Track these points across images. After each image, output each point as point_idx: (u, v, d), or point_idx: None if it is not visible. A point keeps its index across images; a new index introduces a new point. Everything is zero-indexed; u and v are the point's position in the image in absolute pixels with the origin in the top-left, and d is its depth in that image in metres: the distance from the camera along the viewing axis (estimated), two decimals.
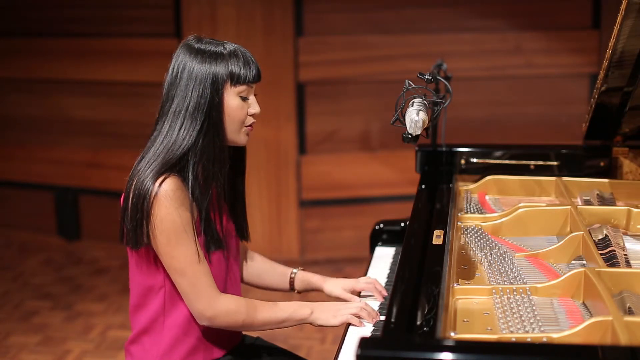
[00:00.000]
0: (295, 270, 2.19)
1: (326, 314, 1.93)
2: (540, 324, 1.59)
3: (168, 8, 4.60)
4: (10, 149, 5.19)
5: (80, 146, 4.99)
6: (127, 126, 4.81)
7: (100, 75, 4.83)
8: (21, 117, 5.11)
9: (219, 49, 1.88)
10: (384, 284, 2.20)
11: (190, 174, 1.84)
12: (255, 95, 1.94)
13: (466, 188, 2.49)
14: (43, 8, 4.89)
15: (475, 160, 2.58)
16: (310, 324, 1.94)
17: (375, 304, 2.05)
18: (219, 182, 1.89)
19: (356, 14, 4.54)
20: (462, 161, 2.59)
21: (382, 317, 1.93)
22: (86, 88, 4.90)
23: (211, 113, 1.85)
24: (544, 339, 1.50)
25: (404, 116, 1.94)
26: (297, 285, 2.18)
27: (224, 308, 1.86)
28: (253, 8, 4.45)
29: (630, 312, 1.59)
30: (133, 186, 1.84)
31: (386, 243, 2.56)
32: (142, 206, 1.80)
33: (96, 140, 4.95)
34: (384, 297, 2.08)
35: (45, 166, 5.11)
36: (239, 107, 1.89)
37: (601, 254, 1.85)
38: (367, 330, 1.91)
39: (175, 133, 1.84)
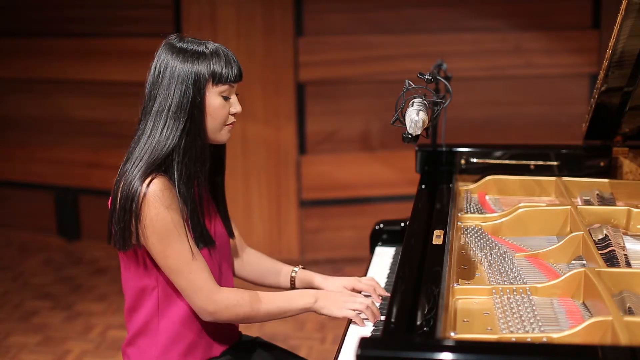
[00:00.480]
0: (296, 269, 2.18)
1: (331, 303, 1.93)
2: (540, 324, 1.59)
3: (168, 8, 4.60)
4: (10, 149, 5.19)
5: (80, 146, 4.99)
6: (127, 126, 4.76)
7: (100, 75, 4.83)
8: (21, 117, 5.11)
9: (201, 48, 1.88)
10: (384, 284, 2.20)
11: (175, 173, 1.84)
12: (236, 94, 1.94)
13: (466, 188, 2.49)
14: (43, 8, 4.89)
15: (475, 160, 2.58)
16: (314, 312, 1.94)
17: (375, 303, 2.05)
18: (199, 180, 1.89)
19: (356, 14, 4.54)
20: (462, 161, 2.59)
21: (383, 317, 1.93)
22: (86, 88, 4.90)
23: (193, 112, 1.85)
24: (544, 339, 1.50)
25: (404, 116, 1.94)
26: (298, 284, 2.18)
27: (225, 302, 1.86)
28: (253, 8, 4.45)
29: (630, 312, 1.59)
30: (120, 188, 1.84)
31: (386, 243, 2.56)
32: (131, 208, 1.80)
33: (96, 140, 4.95)
34: (383, 299, 2.07)
35: (45, 166, 5.11)
36: (220, 106, 1.89)
37: (601, 254, 1.85)
38: (367, 330, 1.91)
39: (158, 133, 1.85)
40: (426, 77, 2.03)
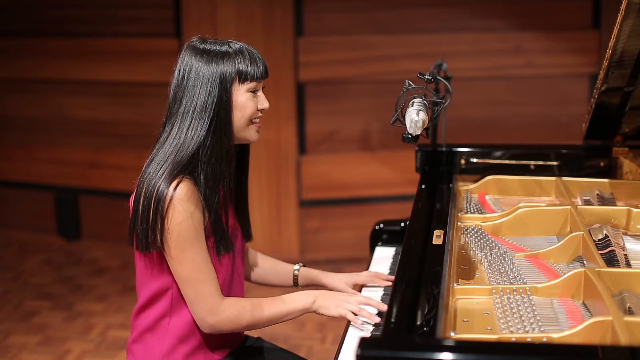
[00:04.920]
0: (297, 267, 2.22)
1: (329, 302, 1.94)
2: (540, 324, 1.59)
3: (168, 8, 4.60)
4: (10, 149, 5.19)
5: (80, 146, 4.99)
6: (127, 126, 4.82)
7: (100, 75, 4.83)
8: (21, 117, 5.11)
9: (225, 48, 1.88)
10: (383, 284, 2.20)
11: (201, 175, 1.84)
12: (263, 87, 1.95)
13: (466, 188, 2.49)
14: (43, 8, 4.89)
15: (475, 160, 2.59)
16: (314, 312, 1.95)
17: (377, 296, 2.06)
18: (225, 181, 1.89)
19: (356, 14, 4.54)
20: (462, 161, 2.59)
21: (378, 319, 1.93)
22: (86, 88, 4.90)
23: (219, 112, 1.85)
24: (544, 339, 1.50)
25: (404, 116, 1.94)
26: (300, 282, 2.23)
27: (227, 315, 1.86)
28: (253, 8, 4.45)
29: (630, 312, 1.59)
30: (144, 189, 1.83)
31: (386, 243, 2.57)
32: (157, 209, 1.79)
33: (96, 140, 4.95)
34: (389, 283, 2.14)
35: (45, 166, 5.11)
36: (248, 101, 1.89)
37: (601, 254, 1.85)
38: (367, 330, 1.91)
39: (183, 134, 1.84)
40: (426, 77, 2.03)
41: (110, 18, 4.77)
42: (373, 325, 1.91)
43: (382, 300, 2.09)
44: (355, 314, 1.92)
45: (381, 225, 2.59)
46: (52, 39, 4.91)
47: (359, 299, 1.96)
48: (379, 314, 1.94)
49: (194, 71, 1.85)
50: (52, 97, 5.00)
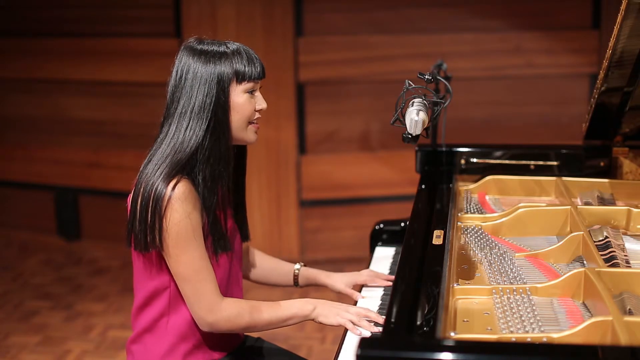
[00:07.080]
0: (298, 267, 2.23)
1: (328, 311, 1.94)
2: (540, 324, 1.59)
3: (168, 8, 4.60)
4: (10, 149, 5.19)
5: (80, 146, 4.99)
6: (127, 126, 4.82)
7: (100, 75, 4.83)
8: (21, 117, 5.11)
9: (222, 48, 1.88)
10: (384, 284, 2.20)
11: (199, 175, 1.84)
12: (260, 87, 1.95)
13: (466, 188, 2.49)
14: (42, 8, 4.89)
15: (475, 160, 2.59)
16: (312, 320, 1.95)
17: (375, 304, 2.06)
18: (224, 182, 1.89)
19: (356, 14, 4.54)
20: (462, 161, 2.59)
21: (379, 328, 1.93)
22: (86, 88, 4.90)
23: (217, 112, 1.85)
24: (544, 339, 1.50)
25: (404, 116, 1.94)
26: (301, 281, 2.24)
27: (226, 314, 1.86)
28: (253, 8, 4.45)
29: (630, 314, 1.58)
30: (142, 189, 1.83)
31: (386, 243, 2.57)
32: (155, 209, 1.79)
33: (96, 140, 4.95)
34: (389, 283, 2.15)
35: (45, 166, 5.11)
36: (246, 102, 1.89)
37: (601, 255, 1.85)
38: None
39: (182, 134, 1.84)
40: (426, 77, 2.03)
41: (110, 18, 4.77)
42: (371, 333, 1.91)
43: (382, 300, 2.09)
44: (354, 324, 1.92)
45: (381, 225, 2.59)
46: (52, 39, 4.91)
47: (359, 310, 1.95)
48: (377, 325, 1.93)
49: (192, 72, 1.85)
50: (52, 97, 5.00)
